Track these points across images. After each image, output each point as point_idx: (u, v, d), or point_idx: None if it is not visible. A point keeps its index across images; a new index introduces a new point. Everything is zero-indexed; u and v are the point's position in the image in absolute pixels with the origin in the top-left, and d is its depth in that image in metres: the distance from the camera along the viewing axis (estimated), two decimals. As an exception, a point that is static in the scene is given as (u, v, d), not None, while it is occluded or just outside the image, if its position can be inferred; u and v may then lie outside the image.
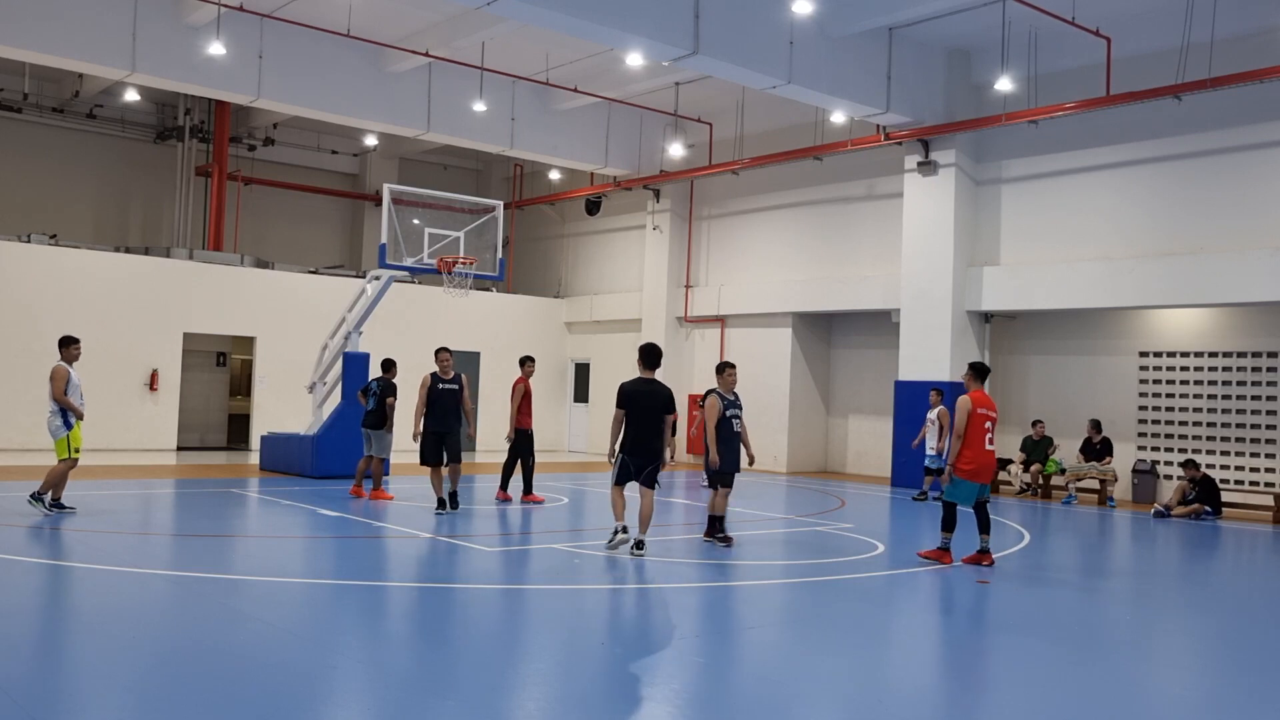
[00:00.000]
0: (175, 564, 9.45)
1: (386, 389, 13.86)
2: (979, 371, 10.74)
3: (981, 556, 10.30)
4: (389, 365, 14.24)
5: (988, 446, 10.26)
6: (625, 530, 10.21)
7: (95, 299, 20.22)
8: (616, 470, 10.19)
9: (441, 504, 12.62)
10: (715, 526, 11.02)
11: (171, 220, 25.07)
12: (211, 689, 5.58)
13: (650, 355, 10.25)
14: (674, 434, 10.24)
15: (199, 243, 24.43)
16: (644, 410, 10.03)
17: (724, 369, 11.08)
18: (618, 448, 10.13)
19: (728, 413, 10.82)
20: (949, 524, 10.41)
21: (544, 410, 24.90)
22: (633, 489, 10.24)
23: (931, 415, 16.57)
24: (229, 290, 21.75)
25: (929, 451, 16.52)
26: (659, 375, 10.44)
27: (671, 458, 10.30)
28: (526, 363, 14.64)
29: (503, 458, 14.69)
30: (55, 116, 23.73)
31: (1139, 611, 8.97)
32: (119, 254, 21.20)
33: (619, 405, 10.08)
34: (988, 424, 10.26)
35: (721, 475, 10.80)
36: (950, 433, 15.79)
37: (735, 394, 10.99)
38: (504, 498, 14.31)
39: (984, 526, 10.35)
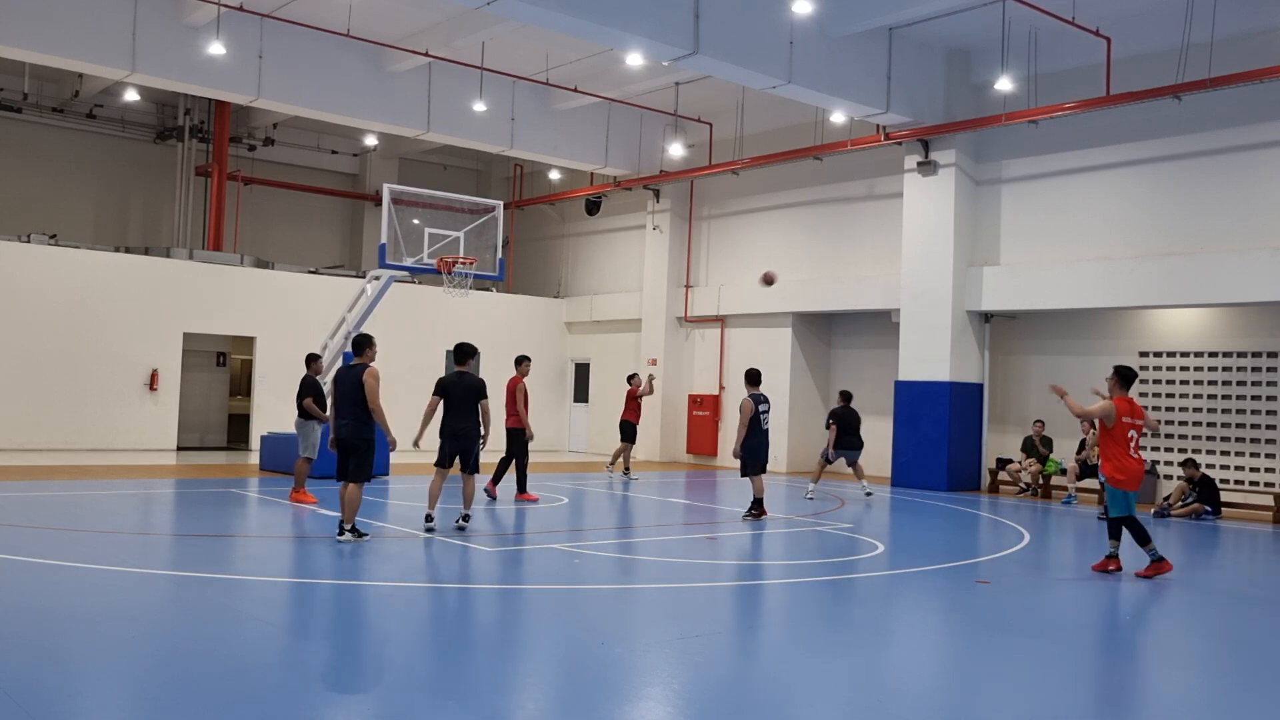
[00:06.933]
0: (175, 564, 9.45)
1: (303, 387, 13.43)
2: (1124, 377, 10.17)
3: (1108, 562, 10.12)
4: (311, 360, 13.97)
5: (1133, 455, 9.94)
6: (431, 520, 11.00)
7: (95, 299, 20.22)
8: (439, 453, 11.24)
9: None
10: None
11: (171, 220, 25.07)
12: (211, 689, 5.58)
13: (460, 352, 11.32)
14: (489, 420, 11.27)
15: (199, 243, 24.43)
16: (457, 399, 11.16)
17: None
18: (439, 432, 11.24)
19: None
20: (1116, 532, 10.11)
21: (544, 410, 24.92)
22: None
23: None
24: (229, 290, 21.76)
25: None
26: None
27: (485, 442, 11.26)
28: (524, 361, 14.72)
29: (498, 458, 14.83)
30: (55, 116, 23.73)
31: (1139, 611, 8.96)
32: (119, 254, 21.20)
33: (435, 394, 11.24)
34: (1131, 433, 9.91)
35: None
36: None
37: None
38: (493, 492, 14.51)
39: (1116, 533, 10.14)
